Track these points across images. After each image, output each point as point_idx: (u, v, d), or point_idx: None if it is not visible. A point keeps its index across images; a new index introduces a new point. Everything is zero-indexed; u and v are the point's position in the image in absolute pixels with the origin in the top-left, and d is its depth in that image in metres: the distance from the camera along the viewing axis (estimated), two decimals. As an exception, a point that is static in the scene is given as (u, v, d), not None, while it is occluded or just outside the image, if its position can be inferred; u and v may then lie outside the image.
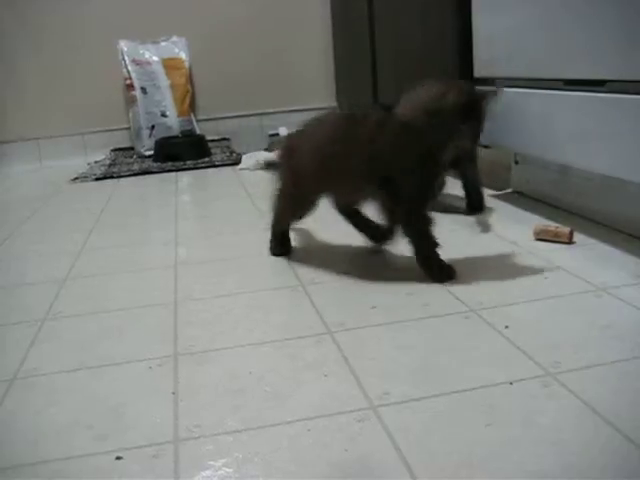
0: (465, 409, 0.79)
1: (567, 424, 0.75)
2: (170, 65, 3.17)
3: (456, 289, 1.15)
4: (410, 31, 2.23)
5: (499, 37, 1.68)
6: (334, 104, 3.34)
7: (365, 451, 0.72)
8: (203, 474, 0.70)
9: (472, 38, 1.80)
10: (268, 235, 1.45)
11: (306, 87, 3.38)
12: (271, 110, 3.29)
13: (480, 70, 1.80)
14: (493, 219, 1.59)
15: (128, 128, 3.25)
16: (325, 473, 0.69)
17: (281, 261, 1.39)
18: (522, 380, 0.84)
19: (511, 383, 0.83)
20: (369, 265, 1.33)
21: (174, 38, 3.22)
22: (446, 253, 1.21)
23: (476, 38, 1.79)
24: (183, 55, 3.21)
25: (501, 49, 1.68)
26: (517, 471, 0.67)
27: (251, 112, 3.25)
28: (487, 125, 1.25)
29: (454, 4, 1.87)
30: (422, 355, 0.93)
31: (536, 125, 1.53)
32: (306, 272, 1.31)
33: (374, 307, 1.11)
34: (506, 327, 0.99)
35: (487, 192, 1.73)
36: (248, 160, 2.62)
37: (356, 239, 1.43)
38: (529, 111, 1.57)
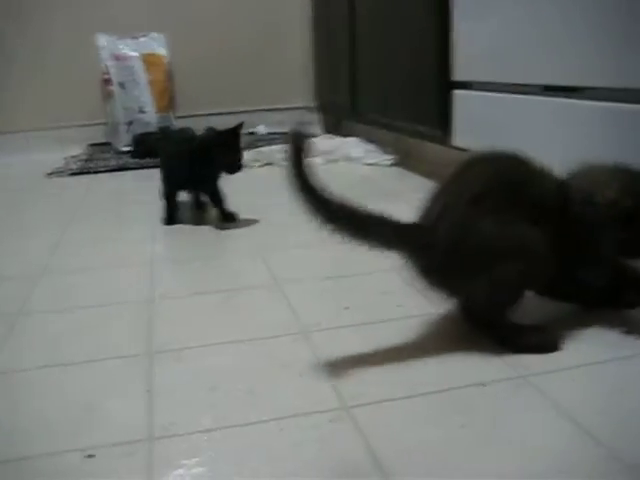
0: (439, 410, 0.80)
1: (538, 425, 0.76)
2: (149, 61, 3.15)
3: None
4: (390, 34, 2.24)
5: (478, 42, 1.69)
6: (312, 104, 3.35)
7: (338, 451, 0.73)
8: (176, 473, 0.70)
9: (451, 42, 1.81)
10: (237, 232, 1.44)
11: (285, 86, 3.38)
12: (250, 108, 3.28)
13: (458, 74, 1.82)
14: None
15: (105, 123, 3.22)
16: (298, 473, 0.69)
17: (256, 259, 1.39)
18: (495, 382, 0.85)
19: (484, 384, 0.84)
20: (345, 266, 1.34)
21: (153, 34, 3.20)
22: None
23: (455, 42, 1.80)
24: (162, 51, 3.19)
25: (479, 54, 1.69)
26: (490, 471, 0.68)
27: (230, 110, 3.23)
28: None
29: (434, 8, 1.88)
30: (396, 355, 0.94)
31: (512, 129, 1.55)
32: (283, 271, 1.31)
33: (347, 307, 1.11)
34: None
35: None
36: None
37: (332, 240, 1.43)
38: (506, 115, 1.59)
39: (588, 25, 1.28)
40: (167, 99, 3.18)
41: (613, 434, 0.73)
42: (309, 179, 0.91)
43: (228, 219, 1.67)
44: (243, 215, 1.71)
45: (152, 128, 3.04)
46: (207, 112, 3.27)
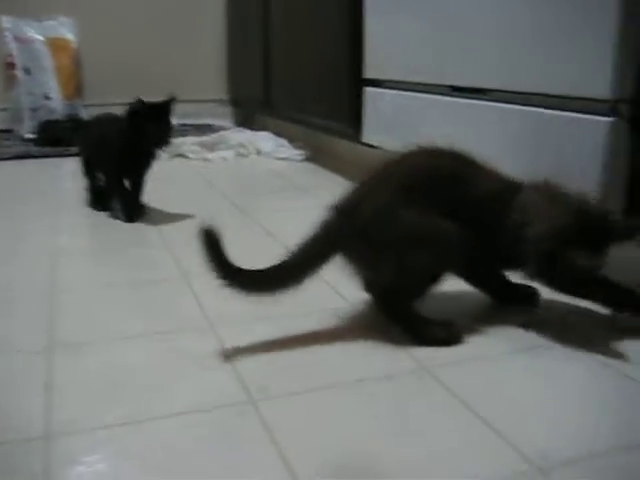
0: (344, 403, 0.81)
1: (440, 417, 0.78)
2: (56, 45, 3.03)
3: (337, 285, 1.17)
4: (304, 30, 2.25)
5: (389, 41, 1.72)
6: (225, 97, 3.32)
7: (244, 446, 0.72)
8: (76, 471, 0.69)
9: (363, 40, 1.84)
10: (144, 225, 1.41)
11: (198, 78, 3.34)
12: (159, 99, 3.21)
13: (369, 72, 1.84)
14: None
15: (5, 109, 3.08)
16: (203, 469, 0.68)
17: (163, 252, 1.37)
18: (400, 374, 0.87)
19: (388, 376, 0.86)
20: (256, 258, 1.33)
21: (61, 18, 3.08)
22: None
23: (367, 41, 1.83)
24: (70, 36, 3.08)
25: (391, 53, 1.72)
26: (396, 462, 0.69)
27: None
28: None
29: (347, 7, 1.90)
30: (304, 349, 0.94)
31: (421, 127, 1.59)
32: (187, 264, 1.29)
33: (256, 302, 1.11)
34: (386, 322, 1.02)
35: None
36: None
37: (243, 232, 1.43)
38: (415, 114, 1.62)
39: (495, 30, 1.32)
40: (74, 86, 3.08)
41: (511, 423, 0.76)
42: (230, 266, 0.93)
43: (139, 211, 1.64)
44: (153, 206, 1.68)
45: (58, 115, 2.94)
46: (116, 101, 3.18)
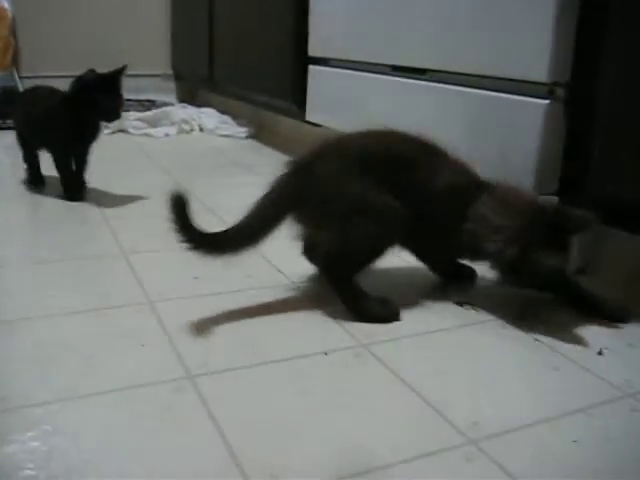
0: (282, 378, 0.81)
1: (376, 391, 0.80)
2: (-9, 14, 2.93)
3: (278, 262, 1.17)
4: (250, 6, 2.22)
5: (334, 20, 1.72)
6: (169, 72, 3.26)
7: (181, 421, 0.72)
8: (8, 449, 0.67)
9: (309, 18, 1.83)
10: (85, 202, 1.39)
11: (140, 52, 3.26)
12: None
13: (314, 50, 1.84)
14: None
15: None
16: (139, 444, 0.68)
17: (102, 229, 1.35)
18: (336, 350, 0.88)
19: (326, 353, 0.87)
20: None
21: (-5, -15, 2.98)
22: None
23: (312, 18, 1.82)
24: (5, 3, 2.97)
25: (335, 32, 1.72)
26: (329, 435, 0.70)
27: (80, 72, 3.08)
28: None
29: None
30: (241, 326, 0.95)
31: (363, 106, 1.59)
32: (128, 241, 1.27)
33: (197, 277, 1.10)
34: (324, 299, 1.02)
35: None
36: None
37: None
38: (358, 92, 1.62)
39: (436, 11, 1.33)
40: (10, 56, 2.98)
41: (445, 397, 0.78)
42: (195, 230, 0.94)
43: (82, 188, 1.60)
44: (93, 182, 1.64)
45: (-7, 87, 2.84)
46: (55, 74, 3.10)
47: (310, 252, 1.09)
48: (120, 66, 1.51)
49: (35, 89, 1.67)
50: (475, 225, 0.99)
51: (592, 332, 0.96)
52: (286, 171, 0.99)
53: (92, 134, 1.57)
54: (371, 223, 0.96)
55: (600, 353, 0.90)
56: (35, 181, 1.67)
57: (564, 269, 0.98)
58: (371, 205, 0.97)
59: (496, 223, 0.98)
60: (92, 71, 1.50)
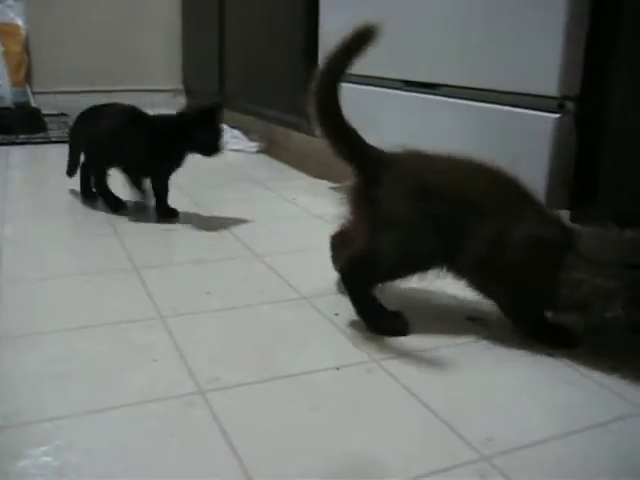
0: (293, 393, 0.81)
1: (389, 407, 0.79)
2: (4, 31, 2.96)
3: (289, 277, 1.17)
4: (260, 20, 2.24)
5: (344, 34, 1.73)
6: (180, 87, 3.28)
7: (192, 435, 0.72)
8: (20, 464, 0.67)
9: (319, 33, 1.84)
10: (98, 217, 1.40)
11: (152, 68, 3.29)
12: (114, 88, 3.17)
13: (325, 64, 1.84)
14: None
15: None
16: (151, 460, 0.68)
17: (114, 243, 1.35)
18: (348, 365, 0.88)
19: (338, 368, 0.87)
20: (208, 251, 1.33)
21: (9, 1, 3.01)
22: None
23: (322, 34, 1.83)
24: (19, 21, 3.01)
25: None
26: (341, 450, 0.70)
27: (93, 89, 3.11)
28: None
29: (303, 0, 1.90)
30: (253, 341, 0.95)
31: (376, 121, 1.60)
32: (140, 255, 1.28)
33: (209, 293, 1.10)
34: (336, 314, 1.02)
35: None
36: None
37: (197, 224, 1.42)
38: (370, 107, 1.63)
39: (449, 26, 1.34)
40: (24, 73, 3.01)
41: (458, 413, 0.77)
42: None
43: (172, 212, 1.56)
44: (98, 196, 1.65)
45: (7, 103, 2.87)
46: (67, 89, 3.13)
47: (337, 252, 1.09)
48: (217, 100, 1.51)
49: (105, 109, 1.61)
50: (572, 289, 0.90)
51: (608, 347, 0.95)
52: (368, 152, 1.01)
53: (179, 164, 1.56)
54: (407, 241, 0.96)
55: (616, 368, 0.89)
56: (119, 204, 1.62)
57: None
58: (411, 225, 0.95)
59: (597, 293, 0.89)
60: (193, 107, 1.51)
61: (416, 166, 1.00)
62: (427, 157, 1.00)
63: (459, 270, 0.99)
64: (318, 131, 1.01)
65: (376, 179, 0.98)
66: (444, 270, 0.99)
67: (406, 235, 0.96)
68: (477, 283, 1.00)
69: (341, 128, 1.02)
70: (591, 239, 0.92)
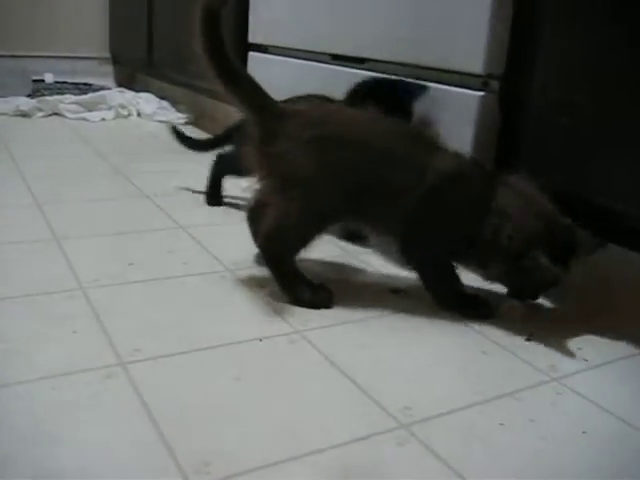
0: (216, 364, 0.81)
1: (311, 377, 0.80)
2: None
3: (214, 249, 1.17)
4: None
5: (275, 7, 1.71)
6: (107, 54, 3.19)
7: (111, 408, 0.71)
8: None
9: (250, 5, 1.82)
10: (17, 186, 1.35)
11: (76, 34, 3.17)
12: (36, 54, 3.05)
13: (254, 36, 1.83)
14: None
15: None
16: (70, 433, 0.67)
17: (34, 214, 1.31)
18: (271, 337, 0.88)
19: (260, 340, 0.87)
20: (132, 222, 1.30)
21: None
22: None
23: (253, 6, 1.81)
24: None
25: (275, 19, 1.71)
26: (263, 421, 0.70)
27: (12, 53, 2.98)
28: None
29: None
30: (176, 312, 0.94)
31: (298, 94, 1.59)
32: (64, 226, 1.24)
33: (131, 264, 1.09)
34: (260, 286, 1.02)
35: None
36: (5, 105, 2.41)
37: (120, 194, 1.39)
38: (297, 80, 1.62)
39: (377, 1, 1.34)
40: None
41: (378, 383, 0.79)
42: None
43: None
44: (27, 167, 1.60)
45: None
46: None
47: (255, 226, 1.06)
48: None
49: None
50: (499, 217, 0.94)
51: (522, 318, 0.99)
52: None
53: None
54: (307, 197, 0.95)
55: (529, 339, 0.93)
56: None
57: (559, 280, 0.95)
58: (315, 174, 0.94)
59: (519, 217, 0.93)
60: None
61: (317, 117, 0.98)
62: (329, 108, 1.01)
63: (373, 223, 1.00)
64: (210, 73, 0.98)
65: (276, 133, 0.96)
66: (357, 223, 1.01)
67: (311, 190, 0.95)
68: (395, 235, 0.99)
69: (232, 70, 0.99)
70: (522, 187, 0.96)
